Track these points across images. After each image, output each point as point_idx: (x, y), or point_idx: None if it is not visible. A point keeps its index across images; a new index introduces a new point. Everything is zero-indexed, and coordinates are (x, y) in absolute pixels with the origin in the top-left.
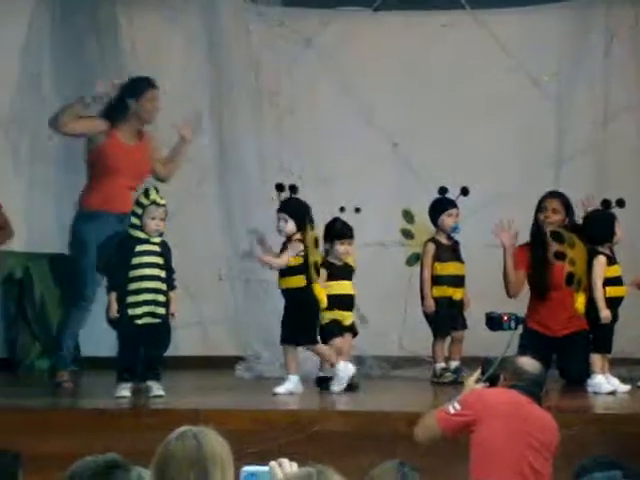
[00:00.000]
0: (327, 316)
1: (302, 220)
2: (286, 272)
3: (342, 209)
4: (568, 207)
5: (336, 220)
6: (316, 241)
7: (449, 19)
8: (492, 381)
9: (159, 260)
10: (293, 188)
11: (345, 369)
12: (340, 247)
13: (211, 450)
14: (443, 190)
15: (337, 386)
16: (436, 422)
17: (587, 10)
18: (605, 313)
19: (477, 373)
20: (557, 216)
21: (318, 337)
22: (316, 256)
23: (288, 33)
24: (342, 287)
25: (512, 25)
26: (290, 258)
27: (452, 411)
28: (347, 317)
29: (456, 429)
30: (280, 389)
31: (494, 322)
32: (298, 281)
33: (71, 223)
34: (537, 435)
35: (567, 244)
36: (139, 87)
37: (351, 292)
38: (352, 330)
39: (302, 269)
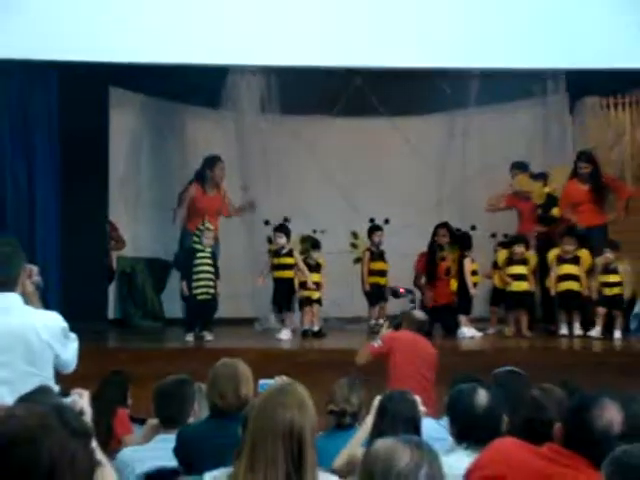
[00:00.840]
0: (303, 294)
1: (289, 236)
2: (282, 268)
3: (314, 231)
4: (451, 232)
5: (311, 237)
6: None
7: (376, 123)
8: (397, 327)
9: (210, 262)
10: (286, 219)
11: (288, 334)
12: (314, 253)
13: (241, 371)
14: (372, 220)
15: (284, 336)
16: (368, 352)
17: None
18: (473, 291)
19: (387, 323)
20: (444, 238)
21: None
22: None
23: (283, 129)
24: (314, 277)
25: (415, 126)
26: (287, 259)
27: (376, 345)
28: (315, 294)
29: (379, 355)
30: (281, 336)
31: (395, 293)
32: (289, 274)
33: (179, 239)
34: (425, 356)
35: (447, 252)
36: (212, 161)
37: (319, 280)
38: (319, 302)
39: (292, 267)
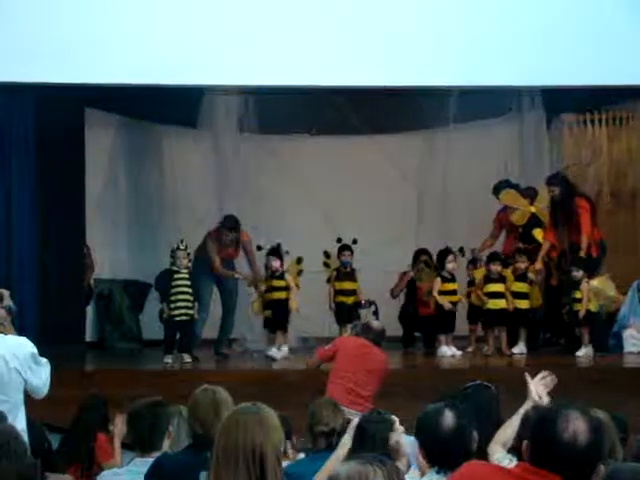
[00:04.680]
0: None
1: (282, 259)
2: (276, 290)
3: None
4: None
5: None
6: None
7: (355, 141)
8: (357, 334)
9: (188, 283)
10: (279, 245)
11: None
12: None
13: (220, 397)
14: (339, 240)
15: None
16: (318, 355)
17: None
18: (447, 306)
19: (349, 332)
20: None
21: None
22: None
23: (261, 149)
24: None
25: (394, 143)
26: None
27: (326, 348)
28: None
29: (326, 357)
30: (274, 354)
31: (356, 304)
32: (284, 295)
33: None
34: (368, 364)
35: (425, 273)
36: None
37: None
38: None
39: (285, 288)
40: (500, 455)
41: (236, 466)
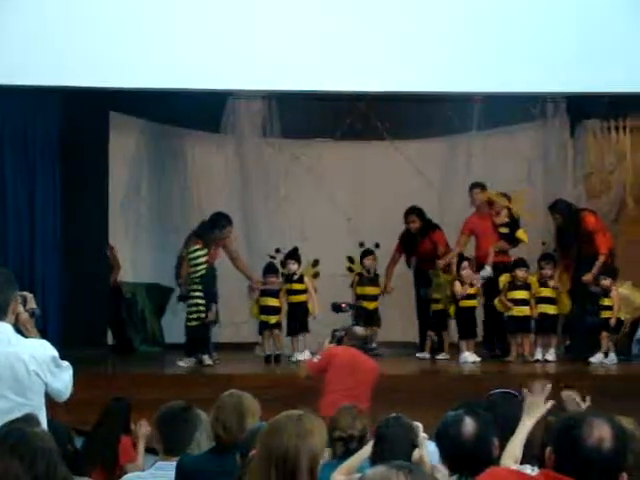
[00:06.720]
0: None
1: (300, 263)
2: (294, 293)
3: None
4: (422, 217)
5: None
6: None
7: (378, 147)
8: (339, 342)
9: (200, 287)
10: (296, 249)
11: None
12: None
13: (246, 403)
14: (362, 244)
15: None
16: (308, 367)
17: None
18: (459, 290)
19: (329, 338)
20: (414, 224)
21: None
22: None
23: (285, 154)
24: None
25: (417, 149)
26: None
27: (315, 360)
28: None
29: (317, 370)
30: (299, 357)
31: (336, 307)
32: (303, 298)
33: None
34: (363, 374)
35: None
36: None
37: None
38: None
39: (304, 292)
40: (518, 467)
41: (268, 471)
